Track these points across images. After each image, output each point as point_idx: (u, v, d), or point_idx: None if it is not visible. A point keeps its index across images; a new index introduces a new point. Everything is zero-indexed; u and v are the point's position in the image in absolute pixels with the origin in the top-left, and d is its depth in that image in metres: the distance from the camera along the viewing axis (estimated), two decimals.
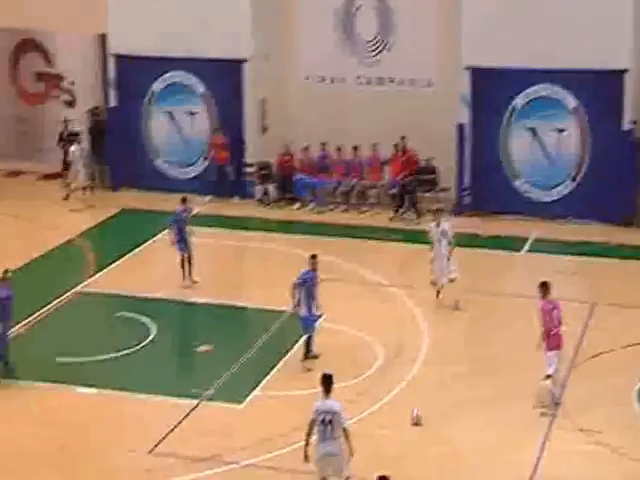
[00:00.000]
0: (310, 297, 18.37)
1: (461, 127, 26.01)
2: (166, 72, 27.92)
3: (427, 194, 26.60)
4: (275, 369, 18.36)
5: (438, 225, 20.97)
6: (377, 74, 27.31)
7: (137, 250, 24.21)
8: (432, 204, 26.28)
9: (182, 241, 22.17)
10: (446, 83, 26.38)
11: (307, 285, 18.34)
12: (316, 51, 27.48)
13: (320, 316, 18.89)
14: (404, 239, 24.76)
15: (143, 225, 25.93)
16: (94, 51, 28.82)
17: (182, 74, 27.83)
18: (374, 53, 27.40)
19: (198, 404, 17.25)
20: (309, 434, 13.97)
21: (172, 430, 16.44)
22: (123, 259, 23.41)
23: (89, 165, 27.86)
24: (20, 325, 19.80)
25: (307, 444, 13.97)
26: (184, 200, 22.72)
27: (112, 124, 28.30)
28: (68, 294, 21.54)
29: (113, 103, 28.40)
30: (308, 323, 18.54)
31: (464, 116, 25.99)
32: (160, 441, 16.08)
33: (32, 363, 18.64)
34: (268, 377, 18.21)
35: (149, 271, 23.55)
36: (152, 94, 28.13)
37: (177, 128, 28.19)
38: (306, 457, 14.01)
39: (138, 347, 19.25)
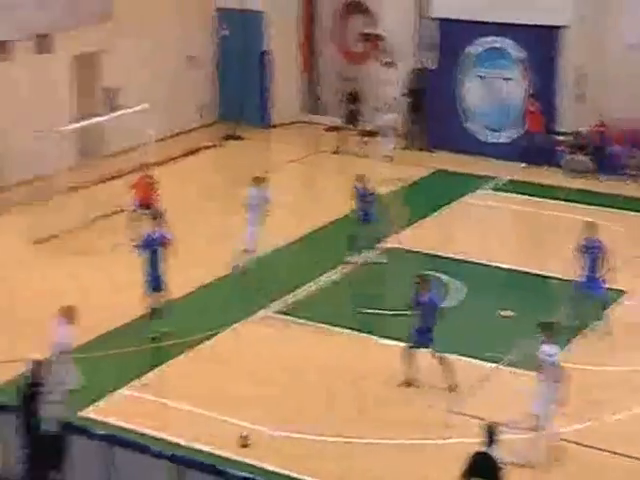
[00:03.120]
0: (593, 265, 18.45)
1: None
2: (482, 36, 28.25)
3: None
4: (572, 342, 18.44)
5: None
6: None
7: (445, 210, 24.85)
8: None
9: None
10: None
11: (589, 253, 18.51)
12: (638, 18, 26.81)
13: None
14: None
15: (453, 186, 26.52)
16: (413, 14, 29.52)
17: (499, 39, 28.09)
18: None
19: (497, 367, 17.65)
20: None
21: (470, 391, 16.97)
22: (429, 217, 24.07)
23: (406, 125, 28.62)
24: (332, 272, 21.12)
25: None
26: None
27: (431, 86, 28.93)
28: (377, 247, 22.34)
29: (432, 65, 29.03)
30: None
31: None
32: (458, 401, 16.64)
33: (337, 310, 19.93)
34: (565, 349, 18.26)
35: (454, 231, 24.14)
36: (468, 58, 28.58)
37: (491, 92, 28.52)
38: None
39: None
